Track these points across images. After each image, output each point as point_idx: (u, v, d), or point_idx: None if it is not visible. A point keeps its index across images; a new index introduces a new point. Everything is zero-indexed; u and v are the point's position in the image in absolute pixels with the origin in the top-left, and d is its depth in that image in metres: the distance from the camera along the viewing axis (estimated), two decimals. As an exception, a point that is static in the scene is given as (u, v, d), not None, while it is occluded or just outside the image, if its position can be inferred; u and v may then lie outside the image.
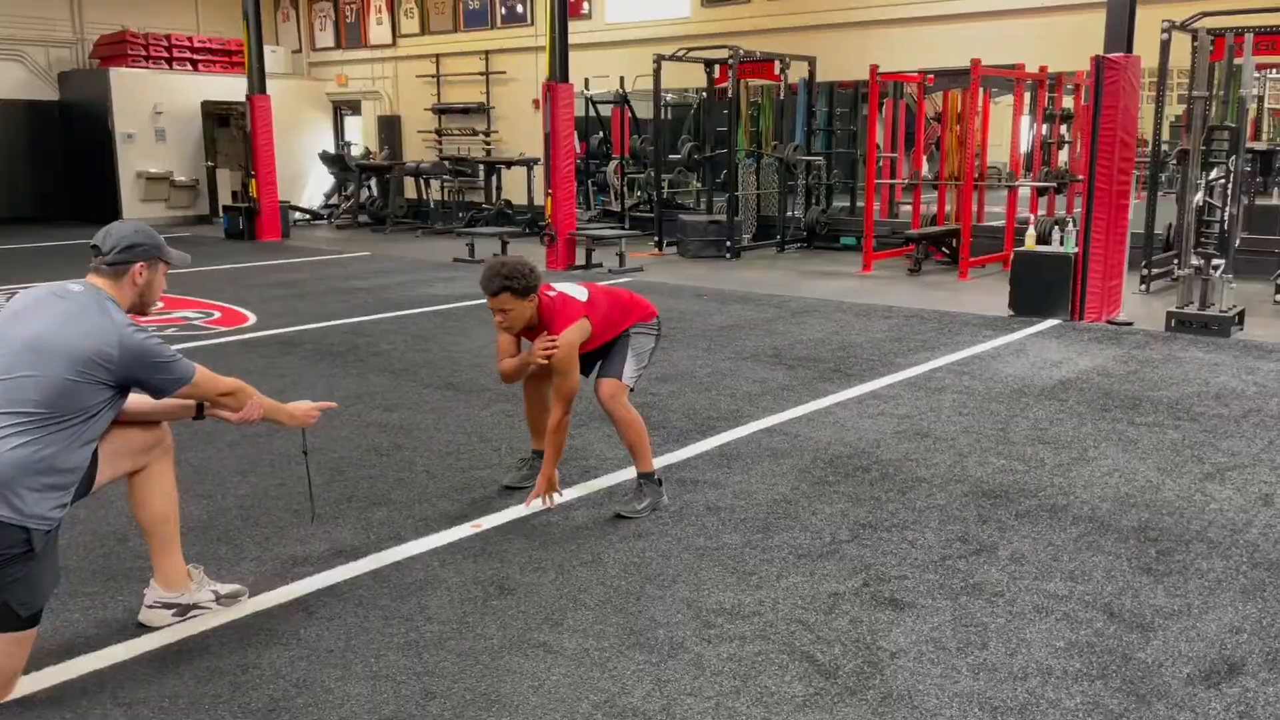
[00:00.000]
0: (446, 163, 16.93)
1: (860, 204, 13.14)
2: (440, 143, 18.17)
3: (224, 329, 8.12)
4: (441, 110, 18.15)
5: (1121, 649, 2.92)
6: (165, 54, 17.46)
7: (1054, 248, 8.50)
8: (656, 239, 13.45)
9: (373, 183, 17.60)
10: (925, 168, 12.89)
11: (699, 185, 15.33)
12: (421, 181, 17.25)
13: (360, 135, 19.50)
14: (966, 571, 3.46)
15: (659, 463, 4.45)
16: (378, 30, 19.20)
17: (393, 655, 2.91)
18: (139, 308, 2.86)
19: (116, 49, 17.15)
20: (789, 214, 13.76)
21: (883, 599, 3.25)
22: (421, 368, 6.72)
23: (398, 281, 10.80)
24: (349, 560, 3.56)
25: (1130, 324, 7.98)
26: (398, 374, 6.54)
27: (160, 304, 3.33)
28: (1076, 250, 8.24)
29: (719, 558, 3.59)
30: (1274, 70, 9.75)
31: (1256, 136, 10.46)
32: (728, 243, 12.69)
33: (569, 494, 4.21)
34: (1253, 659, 2.85)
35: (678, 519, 3.97)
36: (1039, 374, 6.43)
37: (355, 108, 19.63)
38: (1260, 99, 9.80)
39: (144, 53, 17.20)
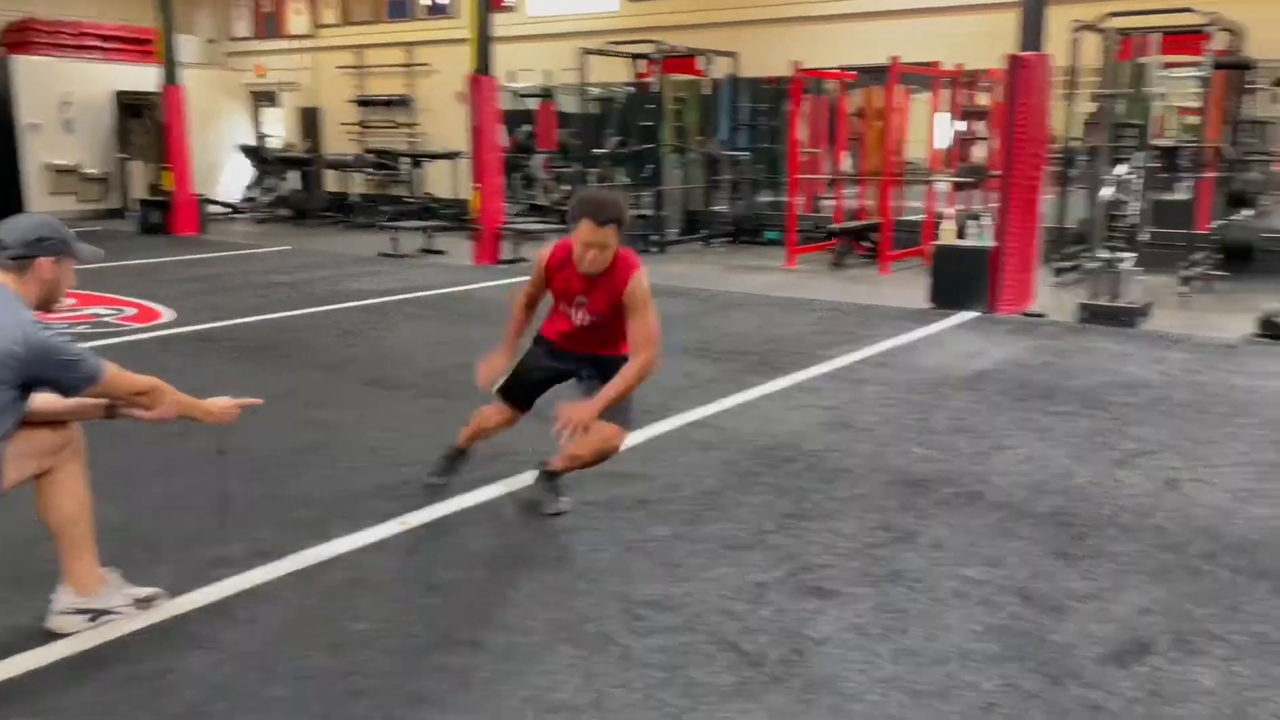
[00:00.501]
0: (369, 156, 16.66)
1: (784, 199, 13.29)
2: (363, 135, 17.87)
3: (138, 325, 7.88)
4: (364, 102, 17.84)
5: (1037, 631, 3.02)
6: (74, 42, 16.85)
7: (970, 242, 8.71)
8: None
9: (294, 176, 17.23)
10: (847, 163, 13.08)
11: (625, 180, 15.33)
12: (344, 175, 16.94)
13: (280, 127, 19.07)
14: (888, 559, 3.54)
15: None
16: (296, 20, 18.79)
17: (317, 656, 2.87)
18: (45, 304, 2.77)
19: (22, 36, 16.50)
20: (715, 209, 13.84)
21: (807, 588, 3.31)
22: (348, 364, 6.62)
23: (321, 276, 10.60)
24: (271, 560, 3.49)
25: (1043, 315, 8.21)
26: (324, 370, 6.43)
27: (69, 300, 3.23)
28: (992, 244, 8.46)
29: (647, 550, 3.61)
30: (1178, 70, 10.11)
31: (1162, 134, 10.83)
32: (654, 237, 12.72)
33: (493, 491, 4.19)
34: (1161, 639, 2.97)
35: (606, 513, 3.98)
36: (957, 365, 6.59)
37: (274, 99, 19.18)
38: (1165, 97, 10.14)
39: (51, 40, 16.57)
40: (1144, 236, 8.54)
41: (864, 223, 12.06)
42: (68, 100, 16.35)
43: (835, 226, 11.95)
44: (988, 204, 11.83)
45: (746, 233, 13.69)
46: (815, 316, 8.34)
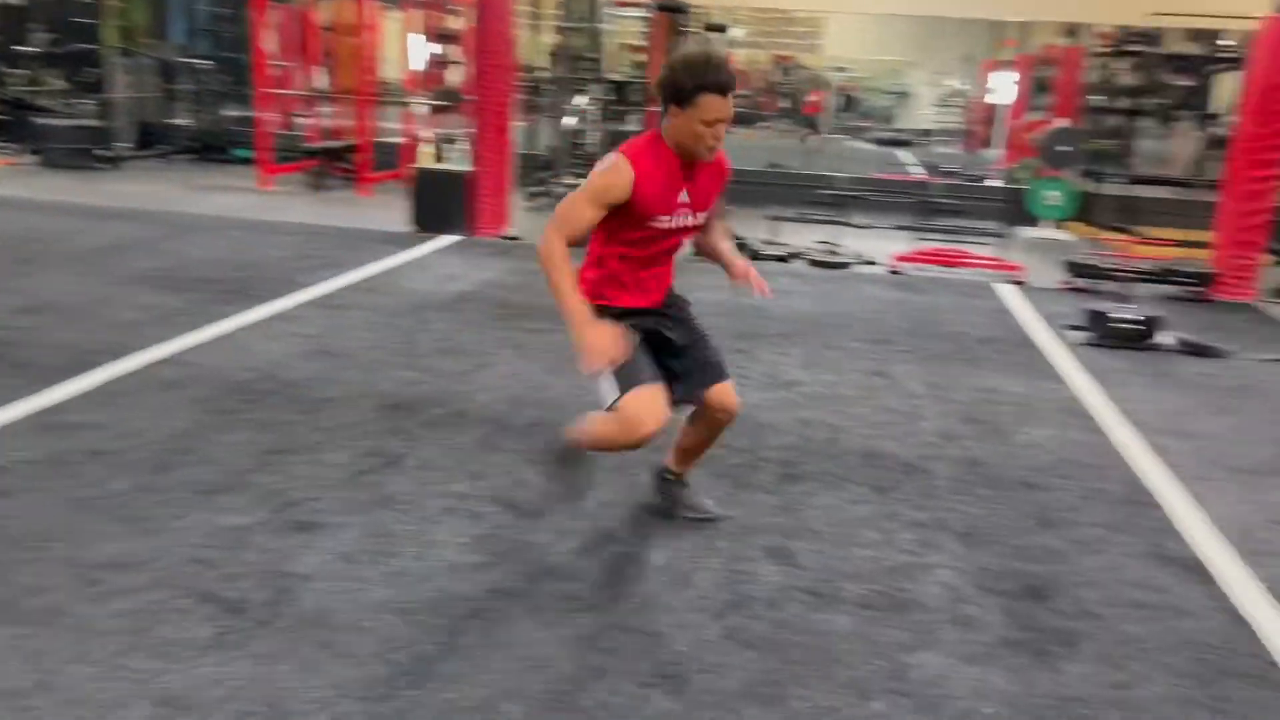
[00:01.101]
0: None
1: (253, 114, 12.41)
2: None
3: None
4: None
5: (518, 536, 3.20)
6: None
7: (448, 166, 8.85)
8: (7, 146, 11.41)
9: None
10: (321, 80, 12.53)
11: (62, 84, 13.25)
12: None
13: None
14: (377, 484, 3.52)
15: (23, 408, 3.86)
16: None
17: None
18: None
19: None
20: (174, 122, 12.52)
21: (293, 524, 3.18)
22: None
23: None
24: None
25: (520, 239, 8.64)
26: None
27: None
28: (469, 169, 8.67)
29: (104, 507, 3.21)
30: (625, 9, 11.06)
31: (615, 69, 11.82)
32: (102, 151, 11.20)
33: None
34: (623, 528, 3.31)
35: (52, 470, 3.47)
36: (440, 288, 6.70)
37: None
38: (615, 35, 11.07)
39: None
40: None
41: (341, 143, 11.69)
42: None
43: (311, 146, 11.44)
44: (464, 129, 12.09)
45: (212, 149, 12.59)
46: (295, 240, 7.95)
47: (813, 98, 24.16)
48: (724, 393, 3.06)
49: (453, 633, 2.62)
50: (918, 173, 15.48)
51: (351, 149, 11.32)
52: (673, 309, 3.11)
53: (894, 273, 8.16)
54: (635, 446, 2.89)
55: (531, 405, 4.47)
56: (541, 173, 10.76)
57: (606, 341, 2.75)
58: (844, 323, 6.36)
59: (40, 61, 12.47)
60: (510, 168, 8.89)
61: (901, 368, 5.39)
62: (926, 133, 25.17)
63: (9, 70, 11.85)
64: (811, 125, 22.41)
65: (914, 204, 10.84)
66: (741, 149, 13.40)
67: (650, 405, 2.84)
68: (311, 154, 11.26)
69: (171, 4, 12.46)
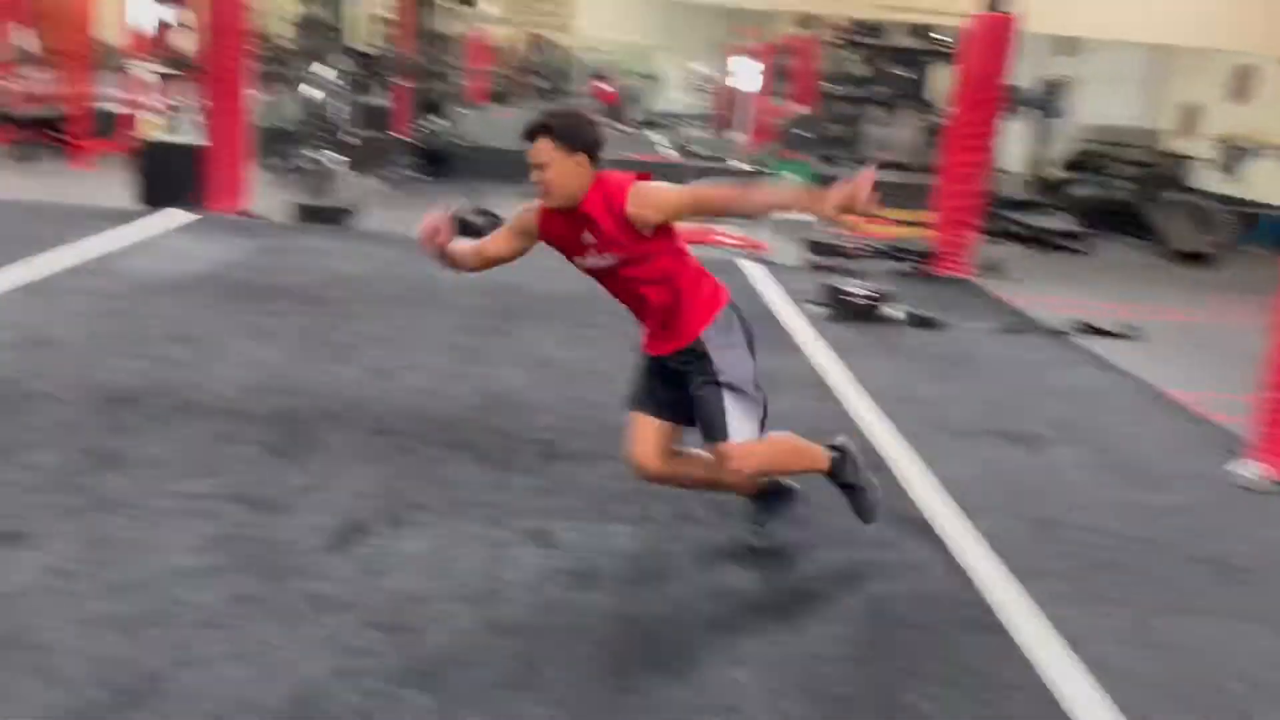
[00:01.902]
0: None
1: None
2: None
3: None
4: None
5: (260, 534, 2.99)
6: None
7: (178, 137, 8.19)
8: None
9: None
10: (28, 41, 11.23)
11: None
12: None
13: None
14: (93, 487, 3.18)
15: None
16: None
17: None
18: None
19: None
20: None
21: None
22: None
23: None
24: None
25: (260, 216, 8.12)
26: None
27: None
28: (202, 141, 8.05)
29: None
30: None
31: (363, 40, 11.33)
32: None
33: None
34: (377, 519, 3.16)
35: None
36: (171, 269, 6.18)
37: None
38: (362, 4, 10.63)
39: None
40: (351, 140, 8.92)
41: (52, 110, 10.54)
42: None
43: (16, 112, 10.25)
44: (189, 97, 11.22)
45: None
46: (-6, 218, 7.11)
47: (602, 87, 23.82)
48: (719, 452, 2.88)
49: (183, 645, 2.41)
50: (668, 154, 15.89)
51: (63, 118, 10.24)
52: (687, 366, 2.91)
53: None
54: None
55: (274, 392, 4.21)
56: (284, 145, 10.16)
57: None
58: (597, 297, 6.41)
59: None
60: (247, 140, 8.32)
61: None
62: (675, 115, 25.85)
63: None
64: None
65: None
66: (497, 127, 13.23)
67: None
68: (15, 122, 10.09)
69: None
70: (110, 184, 8.48)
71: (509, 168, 10.88)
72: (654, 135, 20.59)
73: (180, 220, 7.68)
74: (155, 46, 11.36)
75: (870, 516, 3.19)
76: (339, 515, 3.16)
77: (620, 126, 20.28)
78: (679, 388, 2.92)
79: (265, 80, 10.43)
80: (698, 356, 2.88)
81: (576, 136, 2.74)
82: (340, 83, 9.26)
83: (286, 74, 10.79)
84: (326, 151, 8.39)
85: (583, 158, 2.74)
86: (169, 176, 7.99)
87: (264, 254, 6.88)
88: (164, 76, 11.03)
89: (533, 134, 2.74)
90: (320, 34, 9.78)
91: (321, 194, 8.26)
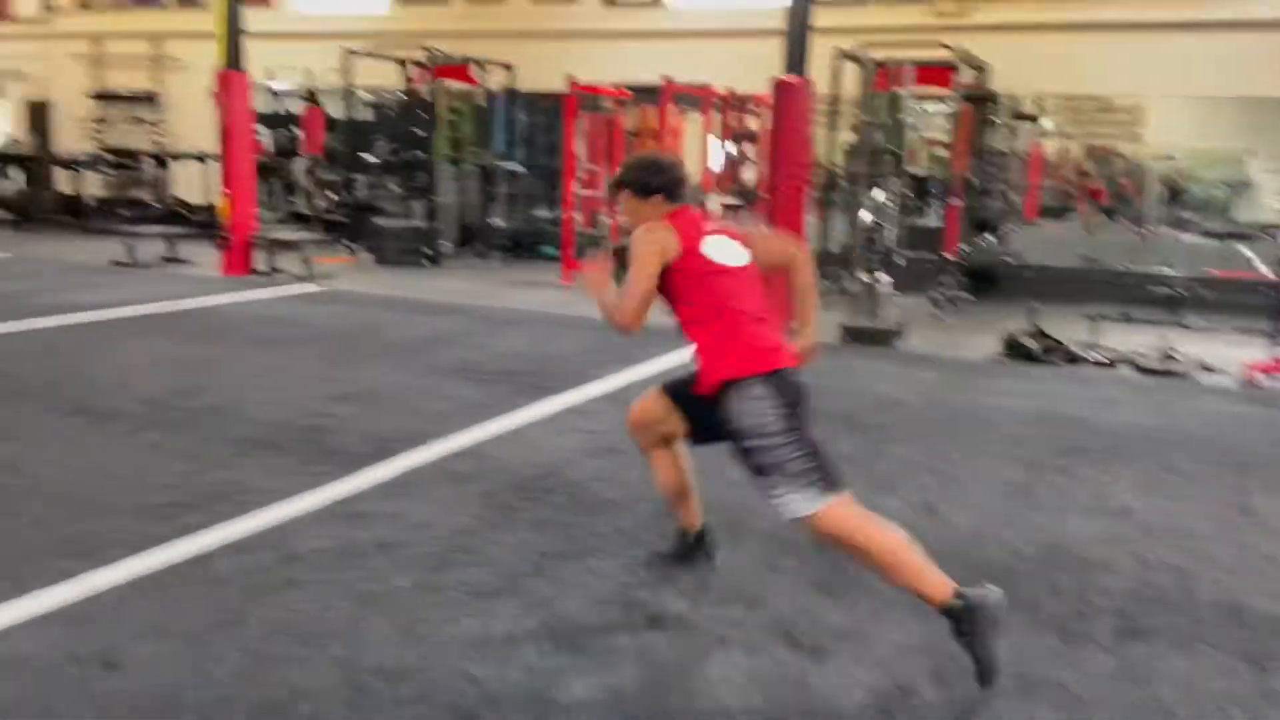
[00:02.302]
0: (107, 154, 15.15)
1: (561, 214, 13.09)
2: (102, 133, 16.25)
3: None
4: (103, 97, 16.24)
5: (799, 676, 2.84)
6: None
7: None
8: (349, 244, 12.70)
9: (18, 175, 15.43)
10: (624, 180, 13.10)
11: (397, 189, 14.69)
12: (78, 175, 15.33)
13: (7, 120, 17.08)
14: (648, 603, 3.29)
15: (327, 495, 4.01)
16: (23, 1, 16.93)
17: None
18: None
19: None
20: (492, 223, 13.47)
21: (561, 641, 3.00)
22: (48, 388, 5.77)
23: (38, 287, 9.40)
24: (-95, 641, 2.83)
25: (810, 336, 8.34)
26: (15, 396, 5.56)
27: None
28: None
29: (385, 606, 3.20)
30: (929, 102, 10.68)
31: (914, 162, 11.39)
32: (427, 250, 12.19)
33: (209, 538, 3.65)
34: (920, 678, 2.85)
35: (342, 561, 3.54)
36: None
37: (-5, 88, 17.20)
38: (917, 128, 10.68)
39: None
40: (899, 261, 8.88)
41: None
42: None
43: (614, 243, 11.84)
44: (753, 224, 12.09)
45: (524, 248, 13.38)
46: (591, 335, 8.11)
47: (1120, 186, 22.05)
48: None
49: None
50: (1261, 270, 13.67)
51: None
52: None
53: (1250, 384, 7.05)
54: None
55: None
56: (833, 268, 10.46)
57: None
58: (1184, 440, 5.50)
59: (381, 170, 13.88)
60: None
61: (1269, 501, 4.52)
62: (1272, 226, 22.43)
63: (355, 177, 13.27)
64: (1109, 214, 20.39)
65: (1267, 305, 9.48)
66: (1050, 243, 12.46)
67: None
68: (613, 251, 11.64)
69: (495, 117, 13.54)
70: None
71: (1060, 285, 10.15)
72: (1244, 248, 17.98)
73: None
74: (724, 181, 12.51)
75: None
76: (880, 670, 2.90)
77: (1132, 227, 18.16)
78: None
79: (818, 206, 10.90)
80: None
81: (644, 185, 3.24)
82: (892, 205, 9.33)
83: (837, 199, 11.18)
84: (876, 273, 8.45)
85: (638, 199, 3.25)
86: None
87: (811, 375, 6.99)
88: (729, 207, 12.06)
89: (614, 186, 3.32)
90: (877, 160, 10.00)
91: (869, 315, 8.29)
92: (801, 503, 2.83)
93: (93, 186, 15.61)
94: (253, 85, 11.01)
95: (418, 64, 12.77)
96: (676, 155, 3.89)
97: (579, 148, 11.84)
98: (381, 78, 13.46)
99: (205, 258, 11.27)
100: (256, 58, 11.07)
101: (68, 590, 3.20)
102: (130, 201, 15.10)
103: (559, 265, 11.65)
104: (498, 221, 13.58)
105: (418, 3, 14.21)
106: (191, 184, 14.76)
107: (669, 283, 3.11)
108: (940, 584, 2.72)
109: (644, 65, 12.13)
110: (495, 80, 13.37)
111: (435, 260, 12.22)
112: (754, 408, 2.91)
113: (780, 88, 8.27)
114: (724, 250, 3.15)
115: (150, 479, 4.28)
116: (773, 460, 2.86)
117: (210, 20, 15.03)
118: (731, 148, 12.49)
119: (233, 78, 10.54)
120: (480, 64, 12.89)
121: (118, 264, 11.03)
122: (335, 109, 13.91)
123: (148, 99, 15.91)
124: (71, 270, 10.65)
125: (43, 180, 15.33)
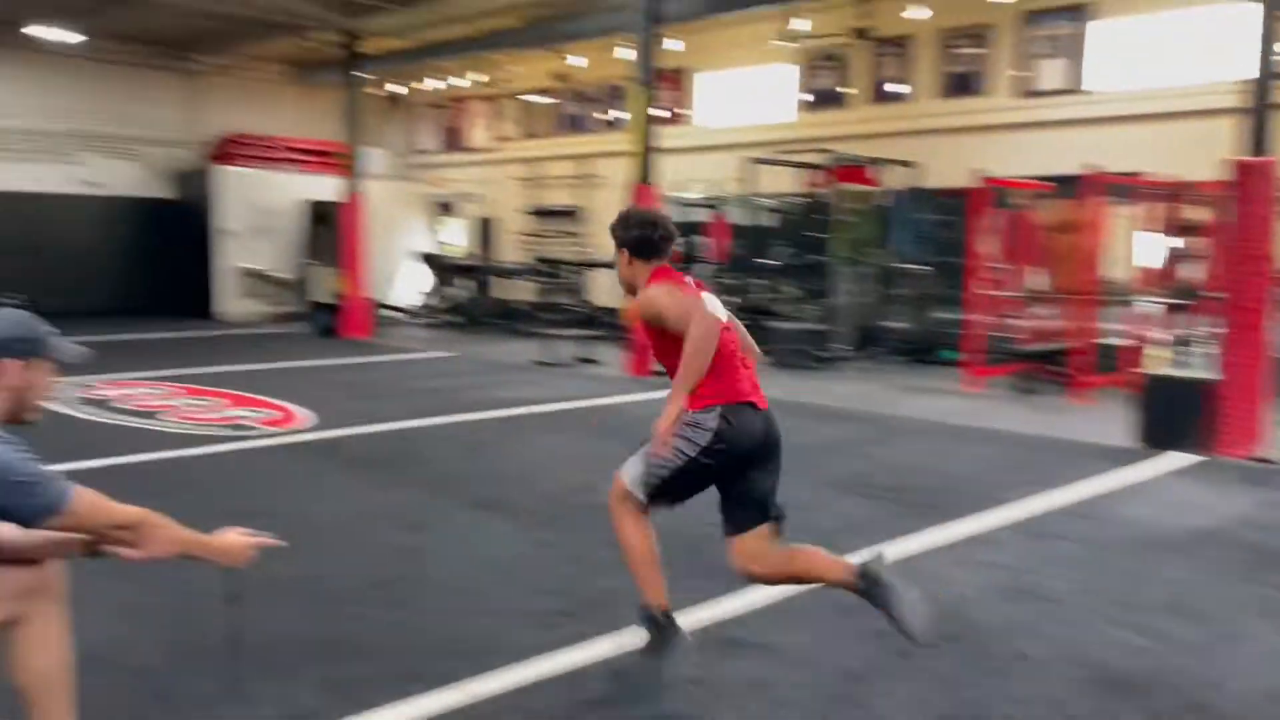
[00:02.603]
0: (542, 265, 16.72)
1: (963, 316, 12.28)
2: (535, 244, 18.04)
3: (274, 429, 7.70)
4: (537, 212, 18.08)
5: None
6: (272, 155, 17.92)
7: (1187, 372, 7.53)
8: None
9: (468, 283, 17.52)
10: (1036, 280, 11.99)
11: (796, 292, 14.70)
12: (514, 283, 17.10)
13: (459, 235, 19.58)
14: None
15: (699, 614, 3.74)
16: (477, 134, 19.45)
17: None
18: (14, 414, 2.33)
19: (226, 149, 17.69)
20: (888, 324, 12.98)
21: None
22: (460, 481, 6.13)
23: (469, 383, 10.36)
24: (299, 732, 2.91)
25: (1275, 462, 6.90)
26: (432, 487, 5.96)
27: (51, 408, 2.80)
28: (1213, 375, 7.25)
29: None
30: None
31: None
32: (819, 352, 11.95)
33: (593, 651, 3.49)
34: None
35: (715, 697, 3.21)
36: (1170, 521, 5.46)
37: (452, 208, 19.77)
38: None
39: (252, 153, 17.68)
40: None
41: (1055, 345, 10.88)
42: (262, 207, 17.24)
43: (1023, 348, 10.83)
44: (1199, 329, 10.49)
45: (920, 351, 12.70)
46: (996, 450, 7.31)
47: None
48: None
49: None
50: None
51: (1065, 352, 10.45)
52: None
53: None
54: None
55: None
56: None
57: None
58: None
59: (779, 273, 13.96)
60: (1266, 374, 7.24)
61: None
62: None
63: (753, 280, 13.44)
64: None
65: None
66: None
67: None
68: (1022, 356, 10.65)
69: (896, 216, 13.16)
70: (1109, 421, 8.18)
71: None
72: None
73: (1182, 463, 6.93)
74: (1162, 279, 11.04)
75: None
76: None
77: None
78: None
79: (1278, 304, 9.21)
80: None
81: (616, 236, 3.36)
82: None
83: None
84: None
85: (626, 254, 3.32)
86: (1173, 415, 7.34)
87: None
88: (1170, 308, 10.58)
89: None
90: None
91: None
92: (632, 481, 3.22)
93: (524, 293, 17.28)
94: (662, 197, 11.55)
95: (817, 167, 12.77)
96: (657, 210, 3.84)
97: (986, 245, 11.07)
98: (784, 184, 13.63)
99: (613, 358, 11.86)
100: (668, 170, 11.63)
101: (450, 695, 3.16)
102: (553, 306, 16.48)
103: (958, 370, 10.85)
104: (893, 323, 13.05)
105: (821, 108, 14.33)
106: (606, 289, 15.82)
107: (672, 335, 3.21)
108: (657, 591, 3.25)
109: (1061, 155, 11.17)
110: (897, 179, 13.01)
111: (828, 362, 11.92)
112: (692, 434, 3.15)
113: (1241, 170, 7.08)
114: (718, 308, 3.30)
115: (541, 579, 4.28)
116: (655, 459, 3.17)
117: (627, 140, 16.30)
118: (1171, 241, 11.03)
119: (643, 191, 11.13)
120: (883, 163, 12.61)
121: (538, 363, 11.94)
122: (740, 216, 14.28)
123: (571, 213, 17.44)
124: (500, 368, 11.67)
125: (486, 287, 17.22)
